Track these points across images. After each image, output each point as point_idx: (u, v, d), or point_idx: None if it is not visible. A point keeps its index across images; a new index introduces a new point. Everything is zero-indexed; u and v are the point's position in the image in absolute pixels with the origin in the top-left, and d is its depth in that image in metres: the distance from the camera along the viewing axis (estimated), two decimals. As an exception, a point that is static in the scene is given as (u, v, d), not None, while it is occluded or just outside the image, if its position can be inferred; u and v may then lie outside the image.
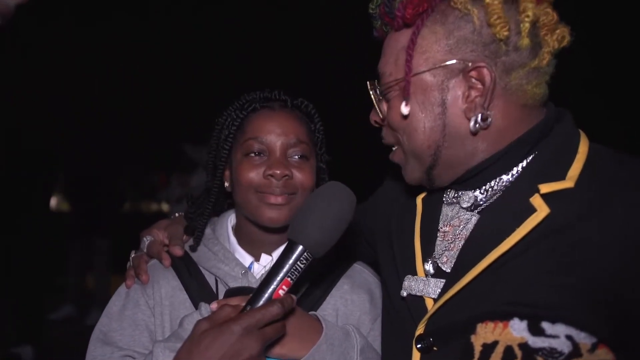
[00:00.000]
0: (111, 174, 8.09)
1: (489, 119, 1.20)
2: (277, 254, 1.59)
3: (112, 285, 7.09)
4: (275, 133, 1.53)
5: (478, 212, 1.28)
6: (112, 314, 1.55)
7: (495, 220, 1.21)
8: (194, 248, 1.60)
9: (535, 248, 1.13)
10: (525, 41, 1.16)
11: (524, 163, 1.23)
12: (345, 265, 1.62)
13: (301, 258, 1.21)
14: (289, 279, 1.20)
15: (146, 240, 1.66)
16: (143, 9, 9.42)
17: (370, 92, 1.31)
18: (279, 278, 1.20)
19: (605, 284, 1.05)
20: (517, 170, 1.24)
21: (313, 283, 1.53)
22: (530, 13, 1.16)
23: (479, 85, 1.19)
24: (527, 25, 1.16)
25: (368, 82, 1.32)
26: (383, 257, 1.51)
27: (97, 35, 9.58)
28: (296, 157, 1.54)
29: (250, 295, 1.24)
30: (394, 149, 1.36)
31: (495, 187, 1.26)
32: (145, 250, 1.64)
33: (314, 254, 1.23)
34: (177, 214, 1.78)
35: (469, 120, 1.20)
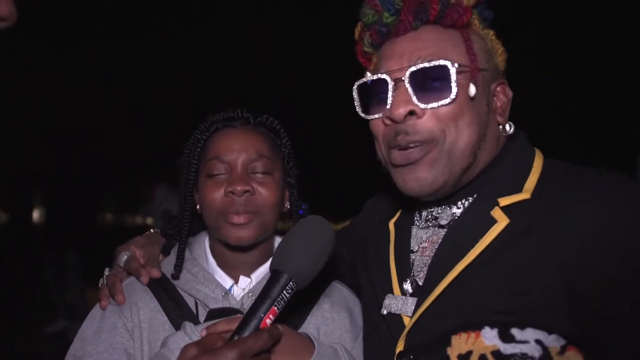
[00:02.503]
0: (95, 186, 8.00)
1: (512, 129, 1.33)
2: (255, 275, 1.58)
3: (89, 300, 7.00)
4: (236, 150, 1.52)
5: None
6: (86, 337, 1.48)
7: (459, 234, 1.27)
8: (176, 275, 1.55)
9: (498, 257, 1.18)
10: (502, 65, 1.39)
11: (489, 179, 1.31)
12: (324, 284, 1.61)
13: (287, 287, 1.21)
14: (275, 308, 1.20)
15: (125, 254, 1.60)
16: (120, 30, 9.45)
17: (452, 73, 1.24)
18: (265, 307, 1.19)
19: (566, 286, 1.09)
20: (484, 186, 1.31)
21: (294, 302, 1.51)
22: (501, 47, 1.37)
23: (502, 97, 1.32)
24: (503, 53, 1.38)
25: (447, 63, 1.24)
26: (363, 280, 1.53)
27: (85, 51, 9.58)
28: (259, 172, 1.52)
29: (235, 317, 1.24)
30: (422, 144, 1.28)
31: (466, 204, 1.32)
32: (122, 265, 1.58)
33: (299, 284, 1.24)
34: (152, 230, 1.74)
35: (501, 125, 1.32)
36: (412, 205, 1.46)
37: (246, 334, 1.17)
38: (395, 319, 1.33)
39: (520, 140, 1.36)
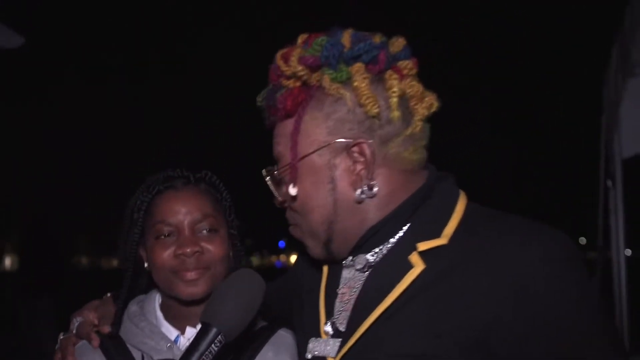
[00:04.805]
0: (68, 231, 7.93)
1: (375, 188, 1.30)
2: None
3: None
4: (182, 213, 1.58)
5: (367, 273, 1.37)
6: None
7: (378, 278, 1.30)
8: (115, 329, 1.62)
9: (413, 301, 1.22)
10: (396, 114, 1.28)
11: (407, 226, 1.33)
12: (270, 332, 1.65)
13: (215, 341, 1.25)
14: None
15: (76, 321, 1.67)
16: (95, 73, 9.51)
17: (267, 179, 1.40)
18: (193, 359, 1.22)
19: (475, 329, 1.15)
20: (402, 232, 1.33)
21: (237, 349, 1.55)
22: (396, 89, 1.28)
23: (362, 159, 1.29)
24: (395, 99, 1.28)
25: (264, 170, 1.41)
26: (296, 322, 1.58)
27: (57, 95, 9.61)
28: (204, 231, 1.59)
29: None
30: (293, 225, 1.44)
31: (383, 250, 1.35)
32: (75, 331, 1.66)
33: (227, 337, 1.28)
34: (108, 295, 1.81)
35: (356, 191, 1.30)
36: None
37: None
38: None
39: (447, 183, 1.37)
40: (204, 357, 1.22)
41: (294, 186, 1.32)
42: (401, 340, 1.21)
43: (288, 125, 1.34)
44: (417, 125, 1.31)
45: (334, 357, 1.31)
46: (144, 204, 1.63)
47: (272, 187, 1.40)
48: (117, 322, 1.63)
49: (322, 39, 1.30)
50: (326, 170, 1.31)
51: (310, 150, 1.31)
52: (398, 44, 1.34)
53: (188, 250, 1.54)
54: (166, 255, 1.56)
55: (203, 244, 1.57)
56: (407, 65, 1.32)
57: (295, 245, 1.54)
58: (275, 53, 1.36)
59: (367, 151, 1.28)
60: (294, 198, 1.35)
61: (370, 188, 1.29)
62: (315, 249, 1.40)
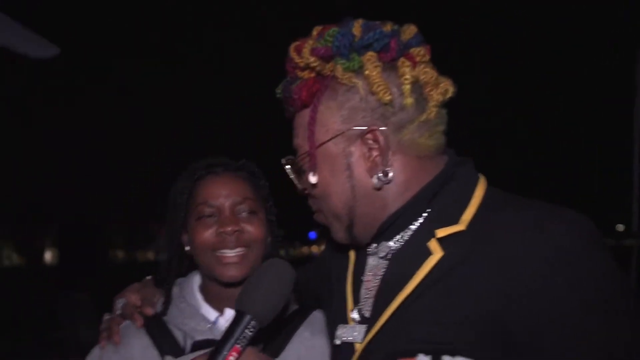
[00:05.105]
0: (104, 225, 8.12)
1: (390, 174, 1.31)
2: None
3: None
4: (222, 195, 1.66)
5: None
6: None
7: (399, 266, 1.33)
8: (163, 312, 1.69)
9: (433, 289, 1.23)
10: (409, 100, 1.29)
11: (427, 211, 1.34)
12: (305, 312, 1.72)
13: (249, 326, 1.31)
14: (238, 345, 1.29)
15: (119, 303, 1.75)
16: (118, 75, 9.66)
17: (288, 168, 1.44)
18: (229, 345, 1.28)
19: (492, 316, 1.15)
20: (422, 218, 1.34)
21: (275, 331, 1.60)
22: (408, 76, 1.29)
23: (376, 146, 1.31)
24: (408, 86, 1.29)
25: (283, 160, 1.45)
26: (325, 309, 1.64)
27: (93, 87, 9.82)
28: (244, 213, 1.67)
29: (206, 351, 1.33)
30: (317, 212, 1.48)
31: (404, 237, 1.36)
32: (119, 312, 1.72)
33: (261, 323, 1.33)
34: (148, 277, 1.87)
35: (372, 177, 1.32)
36: None
37: None
38: (348, 347, 1.39)
39: (466, 168, 1.37)
40: (238, 341, 1.29)
41: (314, 174, 1.37)
42: (422, 327, 1.23)
43: (305, 115, 1.38)
44: (432, 111, 1.31)
45: (360, 343, 1.35)
46: (186, 188, 1.71)
47: (292, 176, 1.45)
48: (167, 302, 1.70)
49: (333, 30, 1.32)
50: (342, 157, 1.34)
51: (326, 139, 1.34)
52: (409, 31, 1.34)
53: (229, 228, 1.61)
54: (208, 234, 1.63)
55: (242, 224, 1.64)
56: (420, 52, 1.33)
57: (326, 236, 1.56)
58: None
59: (380, 138, 1.30)
60: (314, 185, 1.38)
61: (386, 174, 1.31)
62: (339, 232, 1.43)
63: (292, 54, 1.36)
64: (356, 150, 1.33)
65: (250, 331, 1.31)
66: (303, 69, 1.36)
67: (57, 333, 7.91)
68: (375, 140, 1.30)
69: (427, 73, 1.31)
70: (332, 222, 1.43)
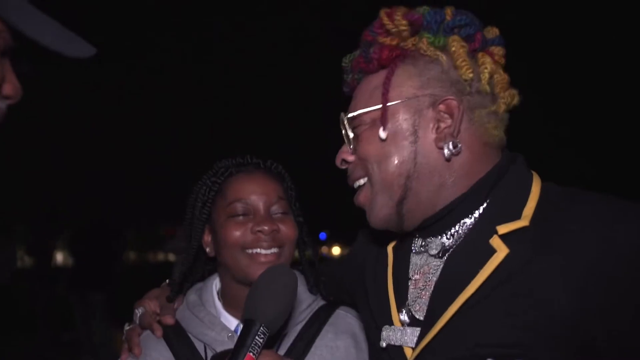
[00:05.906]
0: (117, 226, 8.13)
1: (459, 146, 1.28)
2: None
3: (115, 340, 7.03)
4: (257, 193, 1.62)
5: (445, 258, 1.32)
6: None
7: (459, 264, 1.25)
8: (182, 320, 1.65)
9: (499, 289, 1.17)
10: (486, 87, 1.29)
11: (484, 205, 1.29)
12: (329, 312, 1.67)
13: (259, 333, 1.31)
14: (250, 353, 1.29)
15: (138, 312, 1.70)
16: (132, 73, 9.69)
17: (345, 126, 1.39)
18: (242, 355, 1.28)
19: (565, 319, 1.09)
20: (478, 213, 1.29)
21: (297, 335, 1.59)
22: (488, 66, 1.30)
23: (448, 118, 1.29)
24: (487, 74, 1.30)
25: (342, 115, 1.39)
26: (361, 308, 1.57)
27: (102, 88, 9.85)
28: (278, 213, 1.63)
29: None
30: (361, 183, 1.40)
31: (459, 232, 1.30)
32: (137, 322, 1.69)
33: (270, 329, 1.33)
34: (166, 282, 1.84)
35: (440, 149, 1.29)
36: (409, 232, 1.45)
37: None
38: (397, 350, 1.32)
39: (518, 163, 1.34)
40: (251, 349, 1.29)
41: (384, 129, 1.32)
42: (487, 330, 1.16)
43: (377, 77, 1.36)
44: (502, 106, 1.32)
45: (413, 347, 1.28)
46: (215, 184, 1.66)
47: (346, 135, 1.40)
48: (186, 309, 1.66)
49: (425, 7, 1.34)
50: (410, 122, 1.31)
51: (399, 100, 1.32)
52: (493, 31, 1.37)
53: (266, 227, 1.57)
54: (240, 232, 1.59)
55: (278, 224, 1.61)
56: (500, 51, 1.35)
57: (336, 237, 1.54)
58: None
59: (456, 109, 1.28)
60: (376, 144, 1.33)
61: (455, 146, 1.28)
62: (385, 207, 1.34)
63: (383, 17, 1.35)
64: (426, 119, 1.30)
65: (261, 338, 1.31)
66: (387, 35, 1.35)
67: (70, 333, 7.95)
68: (447, 112, 1.29)
69: (501, 74, 1.32)
70: (380, 194, 1.34)
